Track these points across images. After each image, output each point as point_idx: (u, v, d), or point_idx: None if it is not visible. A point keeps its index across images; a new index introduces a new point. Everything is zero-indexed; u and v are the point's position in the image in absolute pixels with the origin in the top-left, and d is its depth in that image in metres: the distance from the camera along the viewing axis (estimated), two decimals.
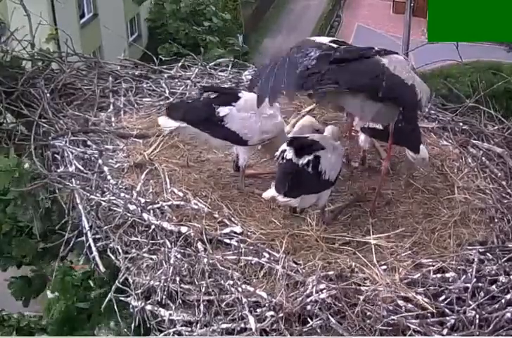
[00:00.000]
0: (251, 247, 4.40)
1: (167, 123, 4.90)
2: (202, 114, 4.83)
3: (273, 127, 4.91)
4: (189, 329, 4.27)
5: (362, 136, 5.21)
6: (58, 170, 5.22)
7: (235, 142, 4.88)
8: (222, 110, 4.81)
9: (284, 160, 4.48)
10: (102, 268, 4.66)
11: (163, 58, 6.95)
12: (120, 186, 4.94)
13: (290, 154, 4.45)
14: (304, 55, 4.31)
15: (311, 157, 4.45)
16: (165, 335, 4.32)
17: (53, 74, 6.21)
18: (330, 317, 4.09)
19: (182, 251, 4.46)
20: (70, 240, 4.88)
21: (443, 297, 4.23)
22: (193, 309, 4.29)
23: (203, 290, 4.27)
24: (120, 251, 4.63)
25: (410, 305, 4.14)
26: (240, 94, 4.95)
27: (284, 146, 4.52)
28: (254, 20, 27.64)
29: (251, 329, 4.09)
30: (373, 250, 4.41)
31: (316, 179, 4.48)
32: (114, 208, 4.79)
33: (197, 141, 5.27)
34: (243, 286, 4.22)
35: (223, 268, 4.31)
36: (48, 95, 5.87)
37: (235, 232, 4.52)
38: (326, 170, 4.49)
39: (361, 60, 4.32)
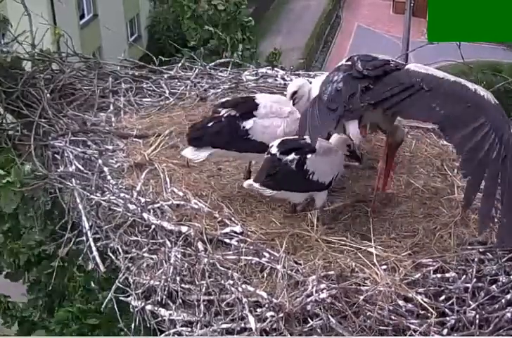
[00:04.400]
0: (251, 247, 4.40)
1: (196, 155, 4.71)
2: (228, 134, 4.70)
3: (294, 125, 4.78)
4: (189, 329, 4.27)
5: (351, 129, 5.10)
6: (58, 170, 5.22)
7: (263, 151, 4.67)
8: (247, 124, 4.72)
9: (269, 155, 4.54)
10: (102, 268, 4.66)
11: (163, 59, 6.94)
12: (120, 186, 4.95)
13: (275, 150, 4.51)
14: (328, 82, 4.35)
15: (296, 156, 4.48)
16: (166, 335, 4.33)
17: (53, 74, 6.22)
18: (330, 317, 4.08)
19: (182, 250, 4.46)
20: (70, 240, 4.90)
21: (443, 297, 4.22)
22: (193, 309, 4.29)
23: (203, 290, 4.27)
24: (120, 250, 4.64)
25: (410, 305, 4.14)
26: (256, 100, 4.85)
27: (274, 143, 4.58)
28: (253, 20, 27.56)
29: (251, 329, 4.09)
30: (374, 250, 4.41)
31: (301, 178, 4.49)
32: (115, 208, 4.80)
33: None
34: (243, 286, 4.21)
35: (223, 268, 4.30)
36: (48, 95, 5.88)
37: (235, 232, 4.52)
38: (315, 171, 4.50)
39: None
